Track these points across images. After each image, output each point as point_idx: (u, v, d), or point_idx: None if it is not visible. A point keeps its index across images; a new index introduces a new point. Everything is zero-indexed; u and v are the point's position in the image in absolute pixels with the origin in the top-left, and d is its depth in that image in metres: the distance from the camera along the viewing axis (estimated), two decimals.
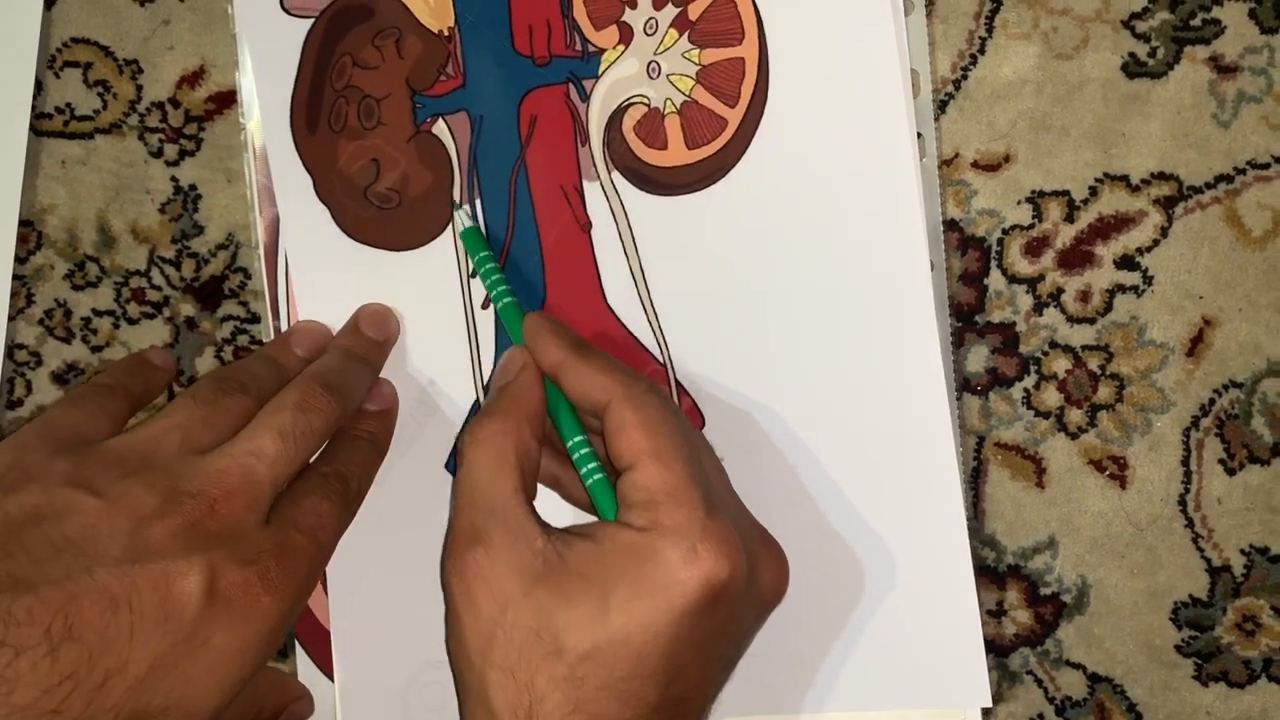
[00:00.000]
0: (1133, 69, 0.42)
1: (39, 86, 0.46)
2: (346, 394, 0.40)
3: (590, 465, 0.38)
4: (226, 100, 0.46)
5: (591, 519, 0.38)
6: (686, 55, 0.43)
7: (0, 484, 0.35)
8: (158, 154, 0.47)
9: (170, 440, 0.37)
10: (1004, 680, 0.45)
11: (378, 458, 0.43)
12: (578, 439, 0.39)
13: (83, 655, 0.32)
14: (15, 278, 0.47)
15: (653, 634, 0.33)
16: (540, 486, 0.41)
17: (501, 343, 0.44)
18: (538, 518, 0.36)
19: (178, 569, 0.34)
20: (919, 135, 0.42)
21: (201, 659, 0.34)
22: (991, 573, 0.44)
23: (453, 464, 0.44)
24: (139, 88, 0.46)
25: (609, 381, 0.37)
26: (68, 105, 0.47)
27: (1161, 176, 0.43)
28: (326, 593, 0.45)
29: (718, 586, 0.34)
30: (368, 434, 0.42)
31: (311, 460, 0.40)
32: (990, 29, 0.43)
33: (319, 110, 0.44)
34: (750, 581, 0.36)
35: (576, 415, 0.40)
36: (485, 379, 0.44)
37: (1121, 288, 0.43)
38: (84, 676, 0.32)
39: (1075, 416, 0.44)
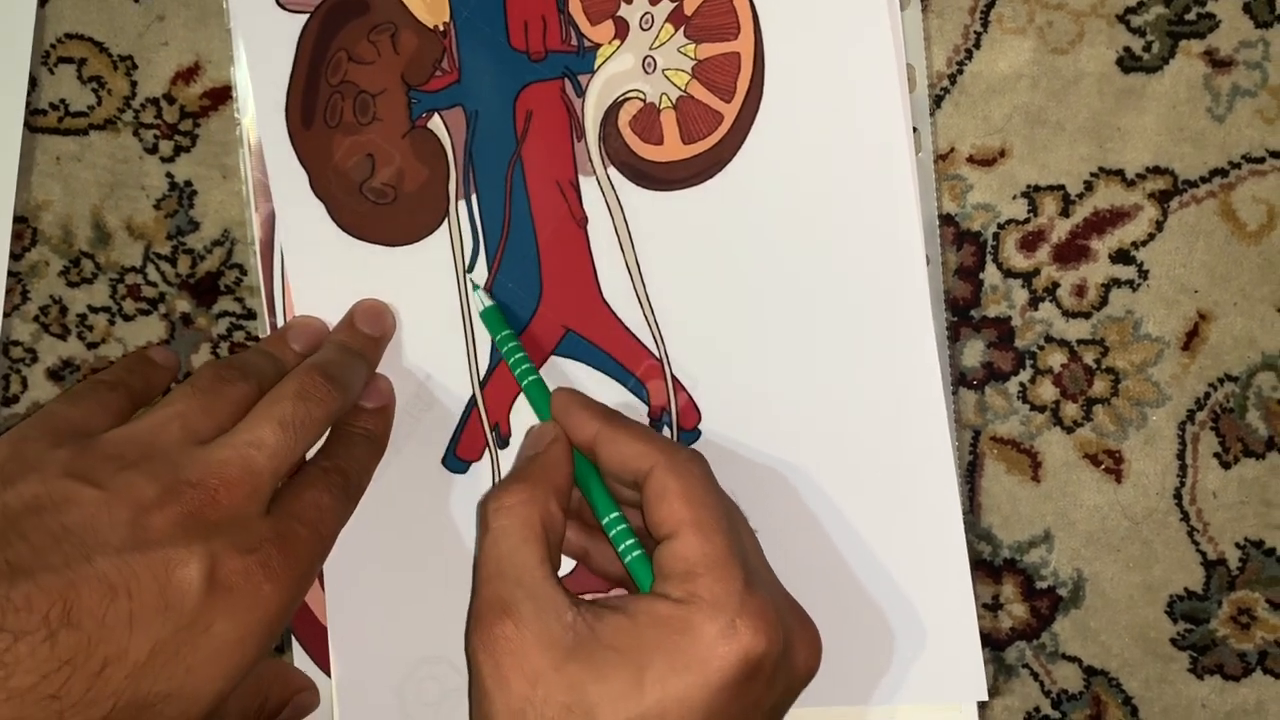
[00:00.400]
0: (1128, 63, 0.43)
1: (33, 83, 0.46)
2: (345, 385, 0.40)
3: (629, 541, 0.38)
4: (221, 96, 0.46)
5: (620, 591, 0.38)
6: (682, 50, 0.43)
7: (0, 475, 0.35)
8: (153, 150, 0.46)
9: (170, 430, 0.37)
10: (1000, 674, 0.45)
11: (376, 454, 0.43)
12: (614, 515, 0.38)
13: (81, 641, 0.32)
14: (10, 274, 0.47)
15: (688, 709, 0.33)
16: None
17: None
18: (565, 590, 0.36)
19: (178, 557, 0.34)
20: (914, 130, 0.42)
21: (203, 647, 0.34)
22: (987, 566, 0.45)
23: (450, 461, 0.44)
24: (133, 84, 0.46)
25: (649, 449, 0.37)
26: (62, 101, 0.47)
27: (1157, 171, 0.43)
28: (323, 588, 0.45)
29: (754, 662, 0.34)
30: (365, 431, 0.42)
31: (310, 456, 0.40)
32: (985, 23, 0.43)
33: (314, 105, 0.44)
34: (785, 658, 0.35)
35: (609, 491, 0.39)
36: (481, 374, 0.44)
37: (1117, 282, 0.43)
38: (82, 662, 0.32)
39: (1071, 410, 0.44)
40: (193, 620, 0.34)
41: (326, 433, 0.41)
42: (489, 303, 0.43)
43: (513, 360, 0.42)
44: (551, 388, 0.41)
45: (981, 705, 0.44)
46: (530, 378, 0.42)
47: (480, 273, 0.44)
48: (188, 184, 0.46)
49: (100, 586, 0.33)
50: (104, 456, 0.36)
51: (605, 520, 0.38)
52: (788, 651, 0.35)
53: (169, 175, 0.46)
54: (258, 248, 0.45)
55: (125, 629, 0.33)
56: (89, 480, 0.35)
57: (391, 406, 0.44)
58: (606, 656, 0.34)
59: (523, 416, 0.44)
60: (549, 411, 0.41)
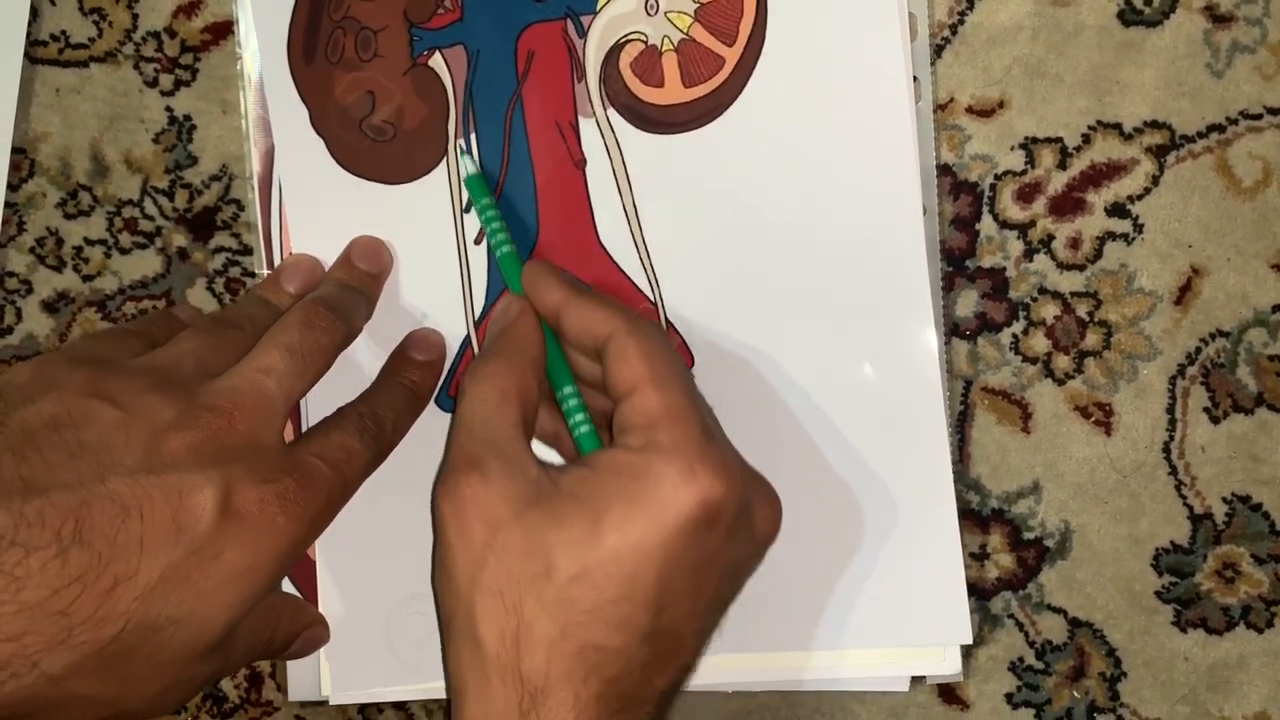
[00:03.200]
0: (1128, 17, 0.43)
1: (34, 13, 0.46)
2: (347, 317, 0.40)
3: (579, 416, 0.39)
4: (223, 30, 0.46)
5: None
6: None
7: (21, 394, 0.35)
8: (153, 83, 0.46)
9: (186, 362, 0.37)
10: (985, 623, 0.45)
11: (417, 407, 0.43)
12: (568, 389, 0.39)
13: (91, 559, 0.33)
14: (7, 205, 0.47)
15: (644, 554, 0.33)
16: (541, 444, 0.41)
17: (493, 278, 0.44)
18: (534, 454, 0.37)
19: (192, 482, 0.34)
20: (915, 79, 0.43)
21: (213, 574, 0.34)
22: (975, 516, 0.45)
23: (443, 399, 0.44)
24: (135, 16, 0.46)
25: (610, 315, 0.38)
26: (63, 33, 0.46)
27: (1154, 125, 0.43)
28: None
29: (713, 507, 0.34)
30: (410, 382, 0.42)
31: (349, 402, 0.41)
32: None
33: (316, 41, 0.44)
34: (745, 514, 0.35)
35: (569, 366, 0.40)
36: (476, 314, 0.44)
37: (1112, 235, 0.43)
38: (92, 580, 0.32)
39: (1062, 363, 0.44)
40: (203, 546, 0.34)
41: (331, 366, 0.41)
42: (473, 170, 0.43)
43: (490, 229, 0.43)
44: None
45: (966, 652, 0.44)
46: (505, 248, 0.42)
47: None
48: (187, 118, 0.46)
49: (113, 506, 0.33)
50: (125, 378, 0.36)
51: (560, 393, 0.39)
52: (748, 508, 0.36)
53: (168, 109, 0.46)
54: (256, 183, 0.45)
55: (136, 550, 0.33)
56: (109, 400, 0.35)
57: (441, 363, 0.44)
58: (566, 504, 0.34)
59: None
60: (520, 284, 0.41)
